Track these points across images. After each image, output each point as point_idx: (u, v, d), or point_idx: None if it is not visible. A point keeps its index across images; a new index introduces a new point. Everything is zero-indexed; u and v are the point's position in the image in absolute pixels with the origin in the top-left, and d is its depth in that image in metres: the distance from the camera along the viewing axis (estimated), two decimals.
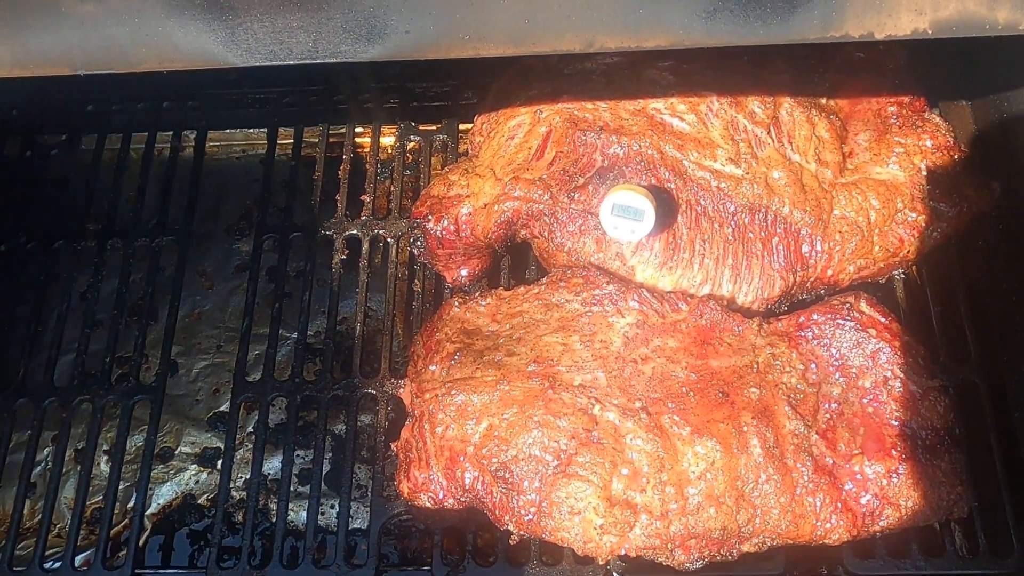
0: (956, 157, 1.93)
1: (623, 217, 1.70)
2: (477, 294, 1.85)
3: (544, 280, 1.82)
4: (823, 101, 1.97)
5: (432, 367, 1.75)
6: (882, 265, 1.88)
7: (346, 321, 2.15)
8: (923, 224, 1.87)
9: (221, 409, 2.12)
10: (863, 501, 1.63)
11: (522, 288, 1.83)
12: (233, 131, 2.43)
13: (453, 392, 1.69)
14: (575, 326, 1.73)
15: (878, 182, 1.89)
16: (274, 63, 1.29)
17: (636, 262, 1.81)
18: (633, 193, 1.70)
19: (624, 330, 1.72)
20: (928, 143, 1.93)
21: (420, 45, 1.27)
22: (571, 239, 1.83)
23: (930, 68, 2.03)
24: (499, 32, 1.26)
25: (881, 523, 1.64)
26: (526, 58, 2.02)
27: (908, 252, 1.87)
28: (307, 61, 1.28)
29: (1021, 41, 1.27)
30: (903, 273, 1.95)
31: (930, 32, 1.23)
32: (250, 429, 2.08)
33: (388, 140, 2.34)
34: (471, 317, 1.81)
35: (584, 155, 1.85)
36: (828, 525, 1.62)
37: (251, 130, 2.43)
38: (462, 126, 2.22)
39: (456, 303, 1.84)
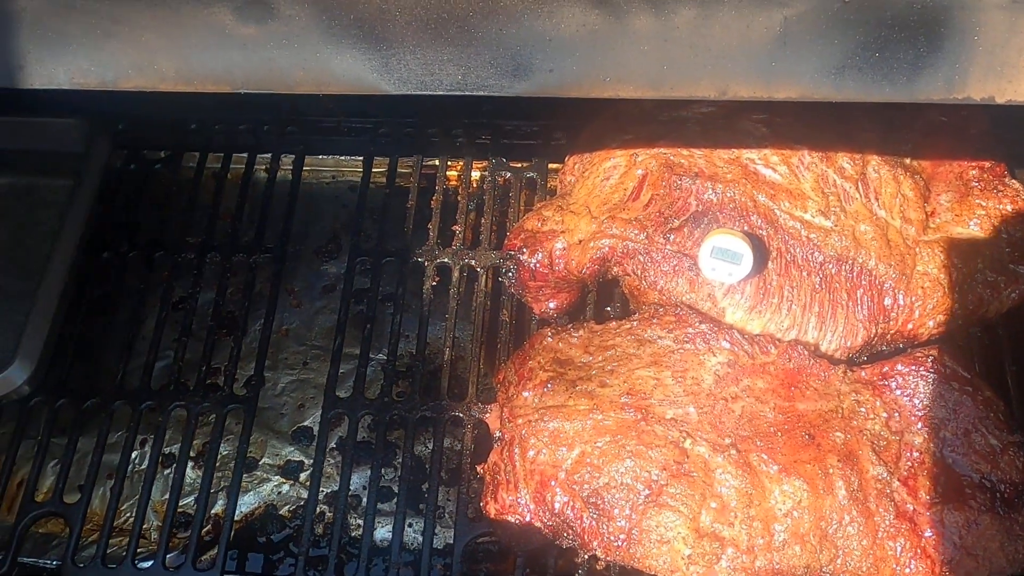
0: None
1: (722, 260, 1.77)
2: (570, 326, 1.92)
3: (636, 316, 1.88)
4: (907, 161, 2.04)
5: (525, 393, 1.81)
6: (961, 322, 1.93)
7: (431, 345, 2.21)
8: (1001, 285, 1.93)
9: (305, 424, 2.18)
10: (942, 549, 1.67)
11: (614, 323, 1.90)
12: (324, 157, 2.52)
13: (546, 418, 1.76)
14: (667, 362, 1.79)
15: (959, 241, 1.95)
16: (425, 93, 1.37)
17: (727, 304, 1.87)
18: (733, 237, 1.77)
19: (715, 368, 1.78)
20: (1009, 207, 1.99)
21: (563, 84, 1.35)
22: (664, 278, 1.89)
23: (1010, 135, 2.10)
24: (638, 75, 1.34)
25: (959, 572, 1.68)
26: (623, 103, 2.12)
27: (986, 311, 1.93)
28: (456, 92, 1.36)
29: None
30: (980, 331, 2.01)
31: None
32: (332, 445, 2.14)
33: (477, 175, 2.42)
34: (563, 347, 1.87)
35: (679, 199, 1.93)
36: (907, 570, 1.67)
37: (342, 157, 2.52)
38: (551, 165, 2.30)
39: (549, 333, 1.90)
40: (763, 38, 1.32)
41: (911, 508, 1.68)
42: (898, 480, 1.70)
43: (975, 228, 1.97)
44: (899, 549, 1.66)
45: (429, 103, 2.31)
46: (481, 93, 1.35)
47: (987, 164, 2.05)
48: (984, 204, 1.99)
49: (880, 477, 1.69)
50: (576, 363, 1.84)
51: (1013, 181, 2.04)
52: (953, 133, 2.09)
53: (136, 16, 1.38)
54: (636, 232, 1.91)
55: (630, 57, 1.33)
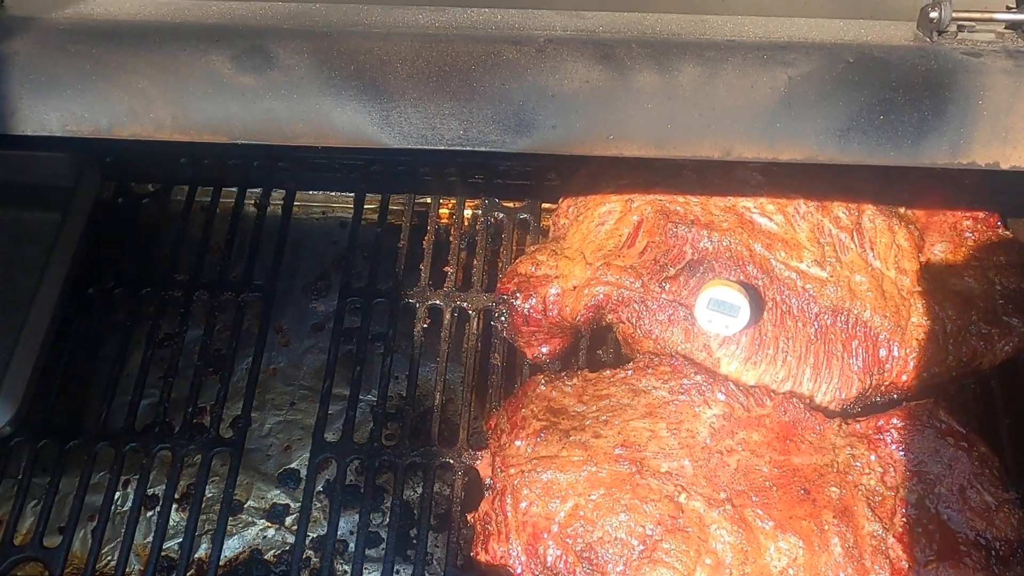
0: None
1: (718, 312, 1.76)
2: (563, 374, 1.90)
3: (631, 365, 1.87)
4: (902, 211, 2.04)
5: (517, 442, 1.79)
6: (955, 374, 1.93)
7: (421, 388, 2.19)
8: (996, 337, 1.92)
9: (292, 466, 2.15)
10: None
11: (608, 371, 1.88)
12: (314, 192, 2.49)
13: (539, 469, 1.73)
14: (662, 413, 1.78)
15: (954, 293, 1.95)
16: (425, 147, 1.35)
17: (722, 355, 1.86)
18: (730, 289, 1.76)
19: (710, 421, 1.76)
20: (1002, 258, 2.00)
21: (566, 141, 1.34)
22: (659, 327, 1.88)
23: (1004, 185, 2.10)
24: (642, 134, 1.33)
25: None
26: None
27: (981, 363, 1.92)
28: (457, 147, 1.35)
29: None
30: (973, 383, 2.01)
31: None
32: (319, 488, 2.11)
33: (469, 213, 2.39)
34: (557, 396, 1.85)
35: (675, 247, 1.91)
36: None
37: (332, 193, 2.50)
38: (544, 205, 2.29)
39: (542, 381, 1.88)
40: (767, 98, 1.32)
41: (906, 566, 1.67)
42: (893, 537, 1.69)
43: (969, 279, 1.97)
44: None
45: None
46: (483, 149, 1.34)
47: (981, 214, 2.06)
48: (978, 255, 2.00)
49: (875, 534, 1.68)
50: (570, 412, 1.82)
51: (1006, 232, 2.05)
52: (948, 183, 2.08)
53: (132, 62, 1.36)
54: (631, 280, 1.89)
55: (634, 115, 1.32)
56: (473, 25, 1.35)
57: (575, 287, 1.93)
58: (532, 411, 1.83)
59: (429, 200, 2.33)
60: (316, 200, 2.51)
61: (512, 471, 1.76)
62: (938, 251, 2.01)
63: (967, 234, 2.03)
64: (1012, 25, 1.34)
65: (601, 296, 1.90)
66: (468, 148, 1.34)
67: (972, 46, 1.32)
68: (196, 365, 2.11)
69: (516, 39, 1.32)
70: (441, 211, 2.37)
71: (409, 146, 1.35)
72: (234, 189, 2.36)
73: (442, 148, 1.35)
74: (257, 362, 2.11)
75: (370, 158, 2.37)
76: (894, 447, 1.77)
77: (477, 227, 2.29)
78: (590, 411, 1.81)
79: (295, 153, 2.38)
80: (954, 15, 1.31)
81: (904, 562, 1.66)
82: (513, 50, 1.32)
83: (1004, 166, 1.30)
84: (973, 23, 1.34)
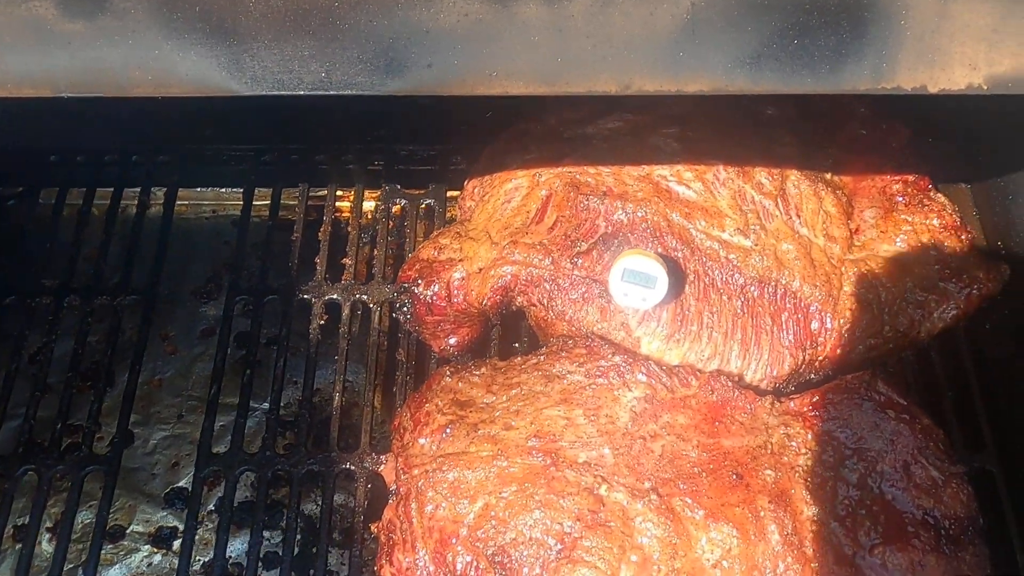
0: (963, 237, 1.88)
1: (634, 284, 1.61)
2: (471, 363, 1.73)
3: (543, 350, 1.71)
4: (828, 176, 1.92)
5: (421, 440, 1.61)
6: (892, 346, 1.80)
7: (321, 391, 2.00)
8: (933, 304, 1.80)
9: (180, 485, 1.95)
10: None
11: (519, 358, 1.71)
12: (204, 190, 2.31)
13: (445, 468, 1.56)
14: (578, 399, 1.61)
15: (887, 260, 1.82)
16: (282, 92, 1.18)
17: (642, 333, 1.70)
18: (645, 258, 1.61)
19: (631, 404, 1.60)
20: (935, 222, 1.88)
21: (444, 80, 1.18)
22: (573, 307, 1.72)
23: (931, 149, 1.99)
24: (529, 70, 1.17)
25: None
26: (525, 121, 1.96)
27: (918, 332, 1.80)
28: (319, 92, 1.18)
29: None
30: (912, 356, 1.88)
31: (985, 88, 1.17)
32: (211, 507, 1.91)
33: (371, 205, 2.22)
34: (464, 387, 1.68)
35: (587, 220, 1.76)
36: None
37: (223, 189, 2.31)
38: (450, 192, 2.13)
39: (448, 372, 1.71)
40: (669, 26, 1.17)
41: (850, 551, 1.52)
42: (835, 521, 1.54)
43: (902, 245, 1.85)
44: None
45: (315, 124, 2.13)
46: (348, 92, 1.17)
47: (911, 178, 1.94)
48: (910, 219, 1.87)
49: (815, 518, 1.53)
50: (478, 404, 1.65)
51: (939, 195, 1.93)
52: (874, 147, 1.97)
53: None
54: (540, 257, 1.73)
55: (520, 49, 1.16)
56: None
57: (480, 269, 1.77)
58: (437, 405, 1.66)
59: (324, 192, 2.14)
60: (206, 198, 2.33)
61: (415, 472, 1.58)
62: (868, 217, 1.89)
63: (898, 198, 1.91)
64: None
65: (508, 277, 1.74)
66: (332, 92, 1.17)
67: None
68: (68, 376, 1.89)
69: None
70: (340, 204, 2.19)
71: (263, 92, 1.17)
72: (110, 189, 2.15)
73: (301, 93, 1.17)
74: (135, 371, 1.90)
75: (261, 147, 2.19)
76: (831, 424, 1.62)
77: (378, 217, 2.12)
78: (500, 402, 1.64)
79: (177, 146, 2.20)
80: None
81: (848, 547, 1.52)
82: None
83: (932, 89, 1.17)
84: None
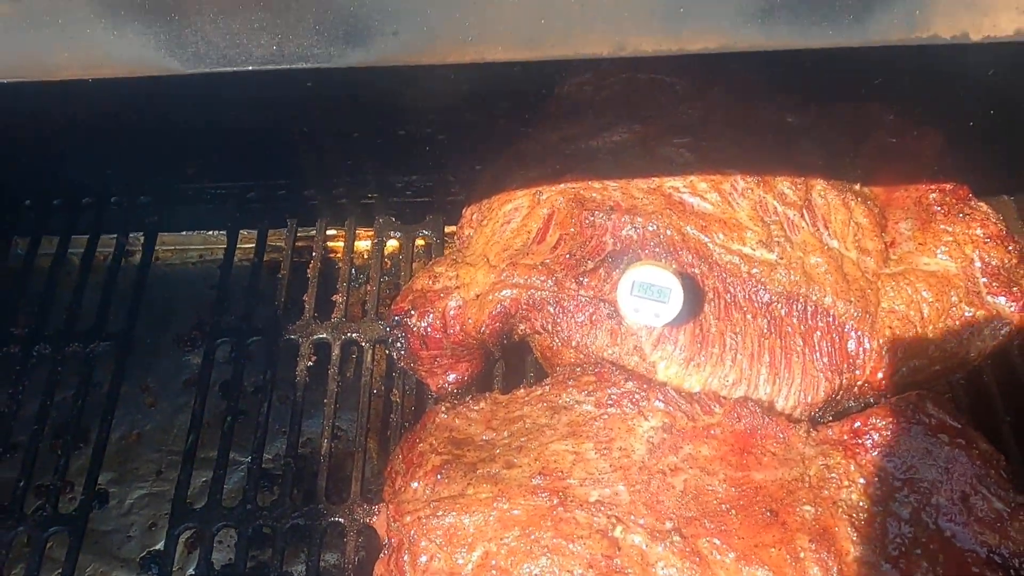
0: (1011, 248, 1.70)
1: (645, 298, 1.44)
2: (469, 399, 1.56)
3: (548, 380, 1.53)
4: (857, 187, 1.75)
5: (414, 484, 1.44)
6: (939, 367, 1.61)
7: (311, 441, 1.83)
8: (982, 320, 1.62)
9: (157, 548, 1.77)
10: None
11: (522, 390, 1.54)
12: (189, 234, 2.17)
13: (440, 513, 1.38)
14: (588, 431, 1.43)
15: (928, 273, 1.65)
16: (228, 69, 1.04)
17: (658, 357, 1.53)
18: (656, 269, 1.44)
19: (648, 435, 1.42)
20: (979, 232, 1.70)
21: (411, 48, 1.03)
22: (580, 331, 1.55)
23: (969, 159, 1.83)
24: (510, 32, 1.02)
25: None
26: (525, 139, 1.82)
27: (968, 352, 1.61)
28: (270, 67, 1.03)
29: None
30: (963, 379, 1.69)
31: None
32: (190, 572, 1.72)
33: (364, 244, 2.08)
34: (461, 424, 1.51)
35: (593, 237, 1.60)
36: None
37: (210, 233, 2.18)
38: (448, 228, 1.97)
39: (443, 409, 1.54)
40: None
41: None
42: (887, 562, 1.34)
43: (944, 257, 1.67)
44: None
45: (303, 156, 2.00)
46: (303, 66, 1.02)
47: (948, 186, 1.76)
48: (951, 230, 1.70)
49: (864, 559, 1.33)
50: (476, 442, 1.47)
51: (980, 203, 1.75)
52: (905, 156, 1.80)
53: None
54: (542, 279, 1.57)
55: (498, 9, 1.02)
56: None
57: (478, 296, 1.61)
58: (431, 445, 1.48)
59: (313, 232, 2.00)
60: (193, 243, 2.20)
61: (407, 519, 1.40)
62: (904, 228, 1.71)
63: (935, 208, 1.73)
64: None
65: (508, 301, 1.57)
66: (284, 67, 1.03)
67: None
68: (34, 430, 1.73)
69: None
70: (332, 244, 2.05)
71: (206, 69, 1.03)
72: (85, 236, 2.01)
73: (251, 68, 1.03)
74: (107, 424, 1.74)
75: (246, 184, 2.06)
76: (876, 452, 1.43)
77: (371, 251, 1.97)
78: (501, 438, 1.47)
79: (156, 185, 2.06)
80: None
81: None
82: None
83: (975, 37, 1.01)
84: None
